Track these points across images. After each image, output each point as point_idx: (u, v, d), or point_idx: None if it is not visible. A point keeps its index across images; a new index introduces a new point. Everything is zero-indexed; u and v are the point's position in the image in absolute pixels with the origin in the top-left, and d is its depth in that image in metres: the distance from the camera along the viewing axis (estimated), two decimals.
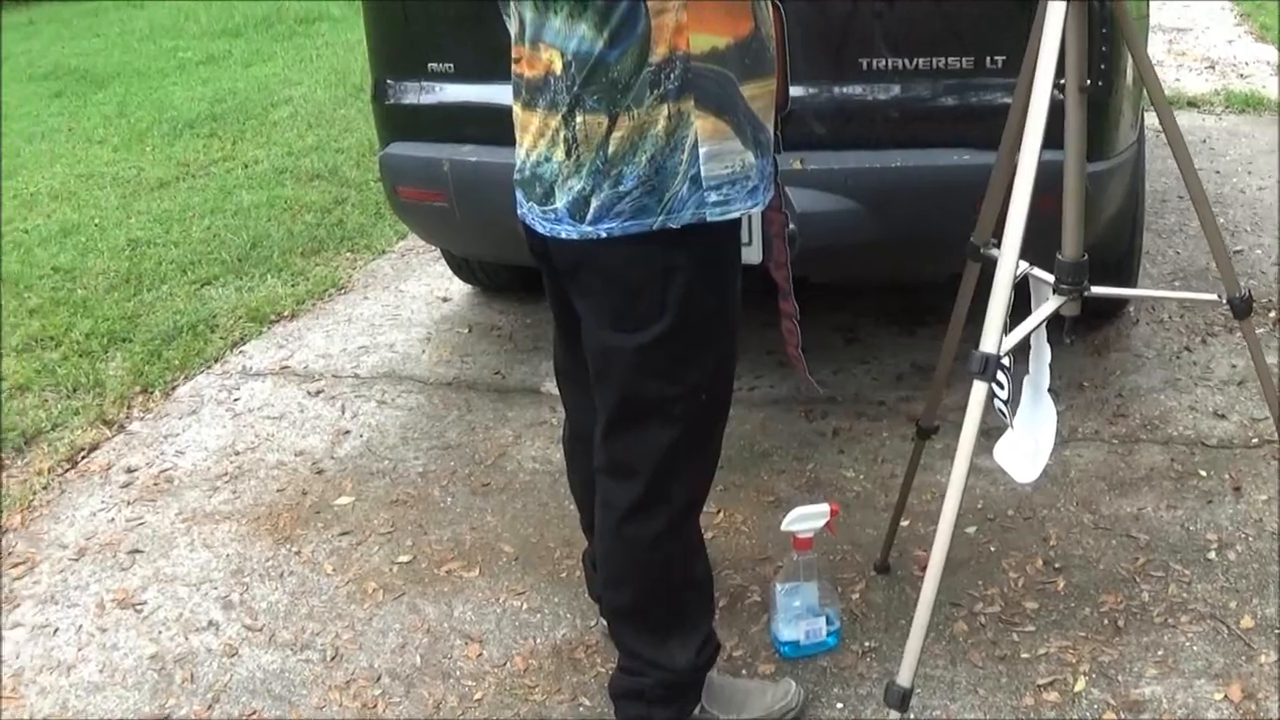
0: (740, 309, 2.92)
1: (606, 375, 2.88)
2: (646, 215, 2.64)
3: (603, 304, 2.81)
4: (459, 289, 6.26)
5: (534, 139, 2.75)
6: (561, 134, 2.66)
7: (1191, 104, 8.97)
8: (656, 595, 3.05)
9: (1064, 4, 2.72)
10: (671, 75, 2.56)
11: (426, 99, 4.72)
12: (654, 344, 2.76)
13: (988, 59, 4.04)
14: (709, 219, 2.67)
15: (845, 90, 4.17)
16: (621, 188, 2.63)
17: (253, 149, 9.31)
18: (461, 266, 5.93)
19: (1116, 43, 4.03)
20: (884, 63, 4.09)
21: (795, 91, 3.58)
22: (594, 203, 2.66)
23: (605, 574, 3.11)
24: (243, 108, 10.70)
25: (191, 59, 13.58)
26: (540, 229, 2.80)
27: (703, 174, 2.63)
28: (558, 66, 2.62)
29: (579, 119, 2.62)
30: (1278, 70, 9.89)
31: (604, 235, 2.67)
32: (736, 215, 2.71)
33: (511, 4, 2.75)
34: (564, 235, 2.73)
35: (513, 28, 2.80)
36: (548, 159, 2.71)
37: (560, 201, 2.70)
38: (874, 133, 4.15)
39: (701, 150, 2.62)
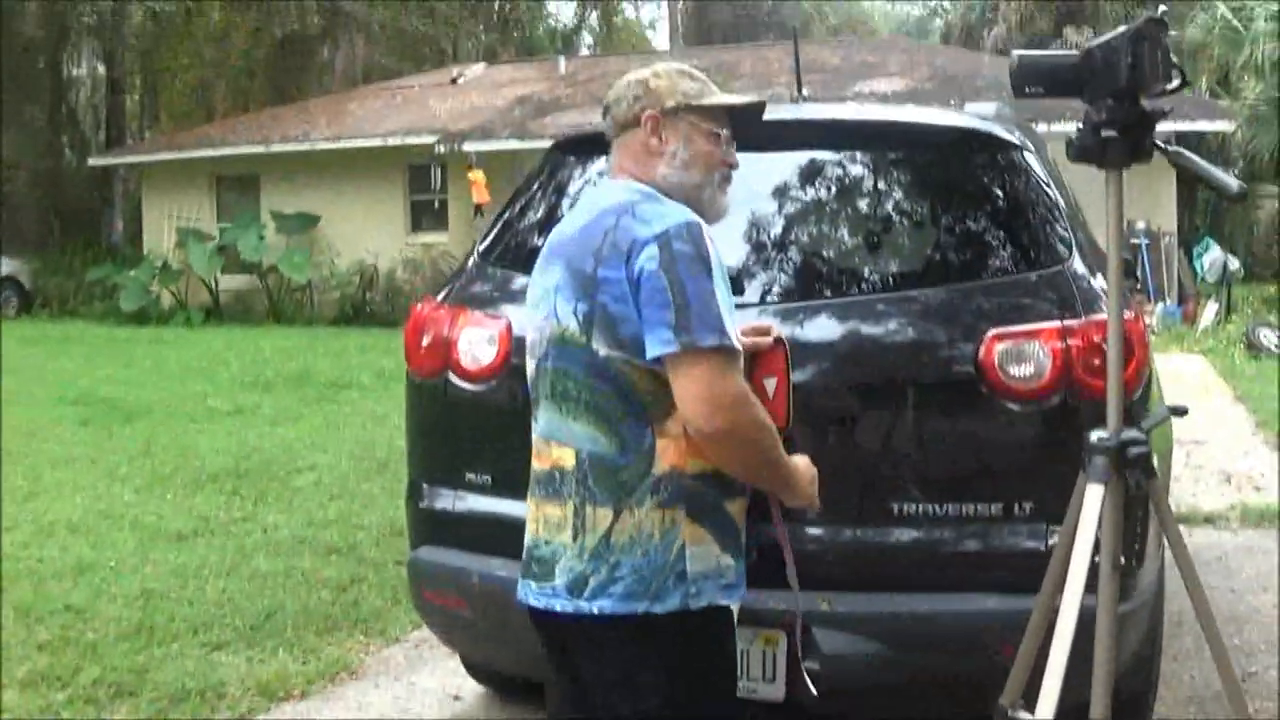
0: (740, 704, 3.43)
1: None
2: (635, 600, 3.07)
3: (597, 678, 3.19)
4: (472, 688, 6.17)
5: (537, 525, 3.24)
6: (571, 522, 3.12)
7: (1207, 520, 8.91)
8: None
9: (1101, 486, 2.92)
10: (670, 487, 3.08)
11: (460, 507, 4.73)
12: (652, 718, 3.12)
13: (1015, 505, 4.11)
14: (691, 607, 3.09)
15: (872, 533, 4.21)
16: (618, 573, 3.07)
17: (274, 514, 9.35)
18: (477, 666, 5.88)
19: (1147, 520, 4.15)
20: (913, 507, 4.17)
21: (819, 533, 4.07)
22: (592, 582, 3.10)
23: None
24: (267, 467, 10.85)
25: (220, 408, 13.88)
26: (535, 603, 3.23)
27: (688, 571, 3.09)
28: (569, 463, 3.13)
29: (588, 510, 3.10)
30: None
31: (596, 611, 3.09)
32: (707, 604, 3.12)
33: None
34: (559, 609, 3.15)
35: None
36: (548, 542, 3.18)
37: (560, 580, 3.14)
38: (899, 575, 4.21)
39: (688, 552, 3.09)
